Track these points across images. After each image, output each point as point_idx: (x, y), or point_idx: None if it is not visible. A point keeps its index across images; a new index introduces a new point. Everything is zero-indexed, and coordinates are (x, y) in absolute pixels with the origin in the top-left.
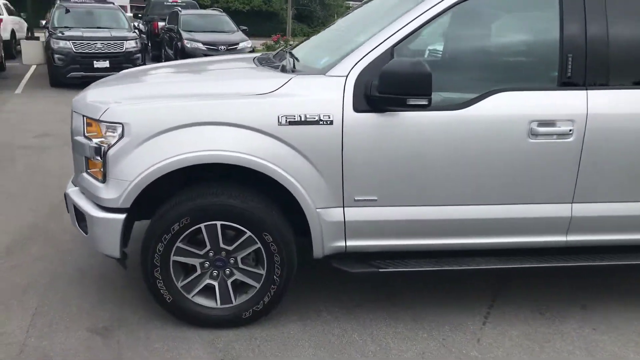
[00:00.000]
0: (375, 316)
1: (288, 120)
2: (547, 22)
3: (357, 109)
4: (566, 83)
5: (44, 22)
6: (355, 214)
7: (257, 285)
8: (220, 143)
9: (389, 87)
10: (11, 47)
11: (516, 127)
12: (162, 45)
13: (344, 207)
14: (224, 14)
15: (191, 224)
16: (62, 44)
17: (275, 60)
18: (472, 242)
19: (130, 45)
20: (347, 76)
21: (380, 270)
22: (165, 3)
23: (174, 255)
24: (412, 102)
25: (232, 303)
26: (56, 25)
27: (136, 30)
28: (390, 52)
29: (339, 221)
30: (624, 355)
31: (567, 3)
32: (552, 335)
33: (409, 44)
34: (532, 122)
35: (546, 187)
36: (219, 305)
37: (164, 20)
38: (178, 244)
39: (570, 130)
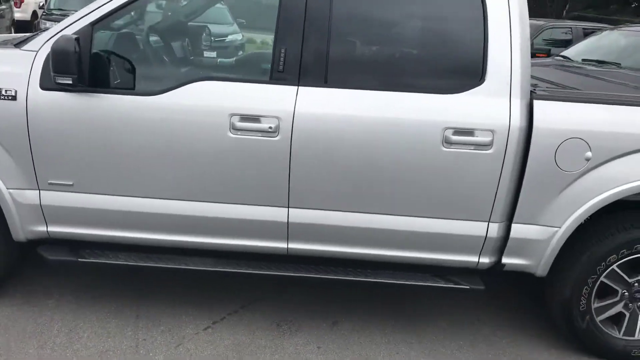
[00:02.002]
0: (95, 309)
1: None
2: (264, 12)
3: (44, 86)
4: (277, 78)
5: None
6: (51, 198)
7: None
8: None
9: (52, 65)
10: (32, 28)
11: (213, 120)
12: None
13: (39, 190)
14: None
15: None
16: None
17: None
18: (184, 240)
19: None
20: (37, 51)
21: (79, 260)
22: None
23: None
24: (59, 80)
25: None
26: (51, 8)
27: None
28: (88, 30)
29: (35, 204)
30: None
31: None
32: (263, 349)
33: (112, 22)
34: (232, 115)
35: (257, 187)
36: None
37: None
38: None
39: (270, 128)
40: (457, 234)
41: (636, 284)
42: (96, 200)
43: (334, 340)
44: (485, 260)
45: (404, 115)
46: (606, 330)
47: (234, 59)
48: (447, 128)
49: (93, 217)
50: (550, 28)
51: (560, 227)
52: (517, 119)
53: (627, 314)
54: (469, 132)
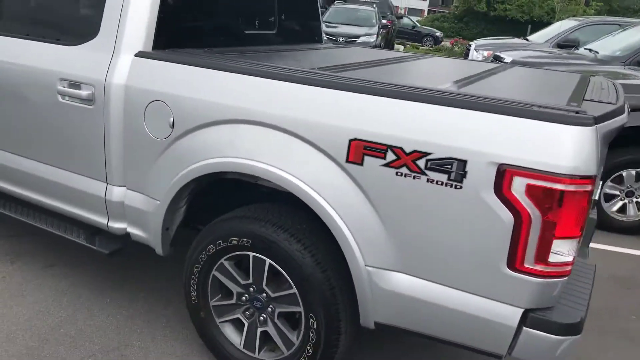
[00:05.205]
0: None
1: None
2: None
3: None
4: None
5: None
6: None
7: None
8: None
9: None
10: None
11: None
12: None
13: None
14: (373, 9)
15: None
16: None
17: None
18: None
19: None
20: None
21: None
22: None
23: None
24: None
25: None
26: None
27: None
28: None
29: None
30: None
31: None
32: None
33: None
34: None
35: None
36: None
37: None
38: None
39: None
40: (81, 190)
41: (252, 288)
42: None
43: (25, 276)
44: (115, 225)
45: (29, 63)
46: (225, 336)
47: None
48: (61, 79)
49: None
50: (591, 25)
51: (159, 201)
52: (114, 76)
53: (246, 323)
54: (77, 85)
